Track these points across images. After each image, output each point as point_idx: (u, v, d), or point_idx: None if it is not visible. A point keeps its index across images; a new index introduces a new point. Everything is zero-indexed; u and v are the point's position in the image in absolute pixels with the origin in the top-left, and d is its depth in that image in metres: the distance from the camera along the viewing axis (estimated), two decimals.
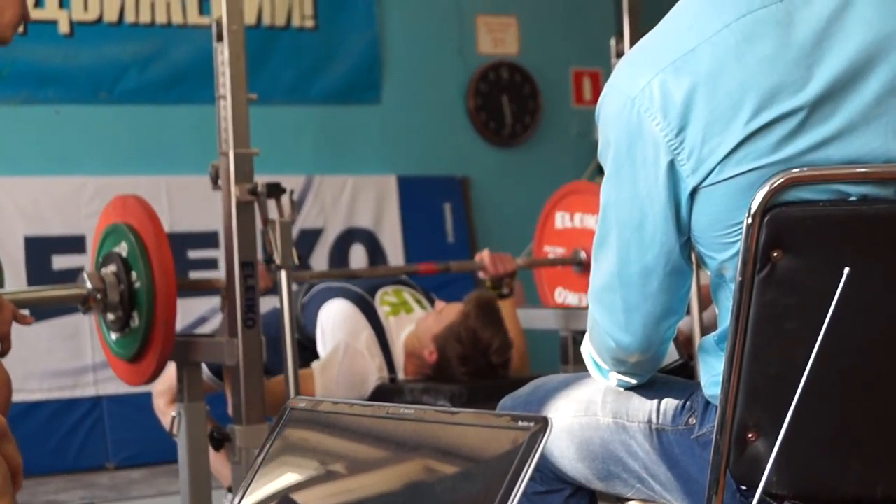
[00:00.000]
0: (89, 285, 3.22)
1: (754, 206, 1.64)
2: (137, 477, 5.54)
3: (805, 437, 1.66)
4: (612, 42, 3.94)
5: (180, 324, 3.34)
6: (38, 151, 5.85)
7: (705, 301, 3.66)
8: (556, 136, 7.07)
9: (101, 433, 5.74)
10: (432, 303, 4.05)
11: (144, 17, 6.03)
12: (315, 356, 3.84)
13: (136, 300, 3.18)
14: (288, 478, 1.30)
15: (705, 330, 3.65)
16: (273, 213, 3.12)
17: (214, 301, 5.62)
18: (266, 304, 3.43)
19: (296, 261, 3.16)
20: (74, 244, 5.72)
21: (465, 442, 1.17)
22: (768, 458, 1.61)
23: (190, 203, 5.90)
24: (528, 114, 7.04)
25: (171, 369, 3.37)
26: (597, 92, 6.73)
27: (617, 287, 1.79)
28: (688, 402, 1.88)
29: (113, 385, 5.47)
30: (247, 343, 3.09)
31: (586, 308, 1.90)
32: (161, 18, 6.06)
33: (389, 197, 6.55)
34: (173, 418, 3.26)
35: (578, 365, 2.94)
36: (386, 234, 6.51)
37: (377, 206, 6.50)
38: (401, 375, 3.89)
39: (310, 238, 6.27)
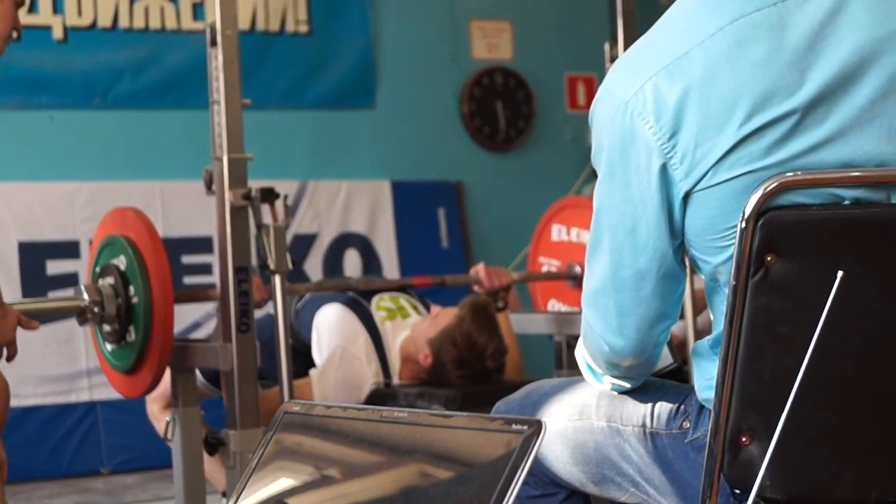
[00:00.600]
0: (86, 297, 3.21)
1: (748, 210, 1.64)
2: (132, 482, 5.53)
3: (799, 440, 1.66)
4: (607, 47, 3.94)
5: (174, 329, 3.35)
6: (32, 157, 5.84)
7: (699, 305, 3.65)
8: (550, 142, 7.07)
9: (95, 438, 5.73)
10: (428, 308, 4.04)
11: (138, 23, 6.02)
12: (309, 362, 3.83)
13: (133, 315, 3.17)
14: (282, 482, 1.30)
15: (699, 334, 3.65)
16: (267, 219, 3.12)
17: (208, 306, 5.60)
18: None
19: (290, 266, 3.15)
20: (68, 249, 5.72)
21: (458, 446, 1.18)
22: (762, 462, 1.61)
23: (184, 208, 5.89)
24: (523, 119, 7.03)
25: (165, 375, 3.36)
26: (591, 97, 6.70)
27: (610, 291, 1.79)
28: (682, 406, 1.88)
29: (107, 390, 5.45)
30: (241, 348, 3.09)
31: (580, 312, 1.90)
32: (155, 24, 6.05)
33: (384, 202, 6.54)
34: (167, 423, 3.26)
35: (572, 369, 2.94)
36: (380, 239, 6.50)
37: (371, 212, 6.49)
38: (396, 381, 3.88)
39: (304, 243, 6.26)
